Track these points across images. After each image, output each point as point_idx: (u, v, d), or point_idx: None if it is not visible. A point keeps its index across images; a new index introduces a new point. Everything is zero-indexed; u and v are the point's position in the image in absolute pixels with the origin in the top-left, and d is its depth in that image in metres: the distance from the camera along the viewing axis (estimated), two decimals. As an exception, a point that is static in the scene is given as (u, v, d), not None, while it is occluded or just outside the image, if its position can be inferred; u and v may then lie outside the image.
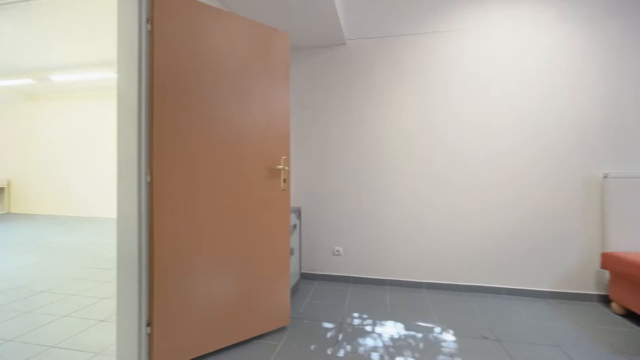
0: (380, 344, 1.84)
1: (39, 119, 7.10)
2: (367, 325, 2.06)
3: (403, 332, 1.97)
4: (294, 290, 2.53)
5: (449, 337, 1.92)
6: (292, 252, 2.49)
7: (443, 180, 2.66)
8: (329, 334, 1.93)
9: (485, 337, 1.90)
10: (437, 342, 1.85)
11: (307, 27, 2.56)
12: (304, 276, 2.94)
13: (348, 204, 2.84)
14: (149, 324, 1.54)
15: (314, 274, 2.92)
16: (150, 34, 1.54)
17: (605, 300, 2.41)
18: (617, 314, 2.22)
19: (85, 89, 6.53)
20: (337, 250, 2.86)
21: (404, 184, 2.73)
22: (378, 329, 2.00)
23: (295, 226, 2.60)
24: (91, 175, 6.69)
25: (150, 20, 1.54)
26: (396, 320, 2.14)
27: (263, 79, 1.88)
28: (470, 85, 2.62)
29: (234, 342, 1.77)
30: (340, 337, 1.90)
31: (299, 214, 2.72)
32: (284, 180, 1.96)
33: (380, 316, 2.20)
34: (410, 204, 2.72)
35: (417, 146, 2.71)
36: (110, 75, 5.32)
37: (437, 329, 2.01)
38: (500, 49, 2.58)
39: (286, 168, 1.95)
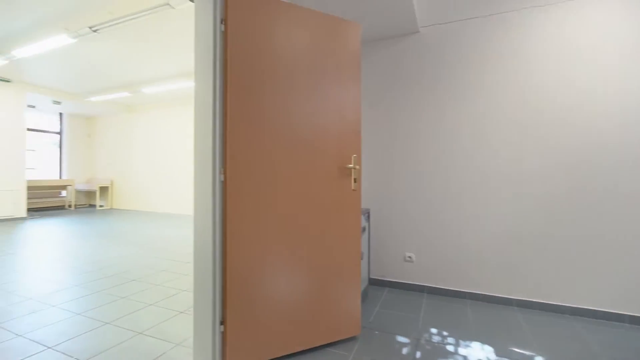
0: (466, 368, 1.59)
1: (134, 127, 8.15)
2: (448, 344, 1.82)
3: (494, 357, 1.69)
4: (363, 297, 2.39)
5: (555, 370, 1.58)
6: (361, 257, 2.35)
7: (545, 184, 2.26)
8: (404, 350, 1.75)
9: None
10: (541, 376, 1.54)
11: (375, 14, 2.40)
12: (373, 282, 2.78)
13: (421, 206, 2.60)
14: (222, 323, 1.55)
15: (383, 280, 2.74)
16: (224, 34, 1.55)
17: None
18: None
19: (171, 98, 7.28)
20: (409, 257, 2.64)
21: (490, 186, 2.39)
22: (462, 351, 1.75)
23: (364, 229, 2.46)
24: (176, 176, 7.43)
25: (224, 20, 1.55)
26: (484, 342, 1.85)
27: (334, 73, 1.79)
28: (591, 66, 2.17)
29: (303, 349, 1.70)
30: (418, 355, 1.70)
31: (368, 216, 2.57)
32: (355, 180, 1.83)
33: (463, 335, 1.93)
34: (496, 208, 2.37)
35: (512, 144, 2.35)
36: (191, 84, 5.82)
37: None
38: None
39: (357, 167, 1.82)
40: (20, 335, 1.88)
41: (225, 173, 1.54)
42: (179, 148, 7.41)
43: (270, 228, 1.62)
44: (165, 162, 7.58)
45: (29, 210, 7.42)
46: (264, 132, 1.60)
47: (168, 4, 3.25)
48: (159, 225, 5.81)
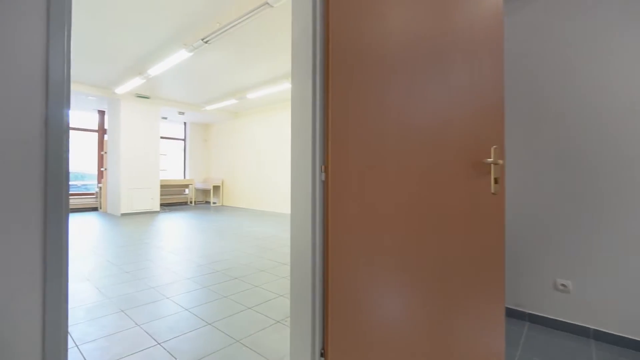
0: None
1: (240, 131, 8.91)
2: None
3: None
4: (495, 333, 1.83)
5: None
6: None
7: None
8: None
9: None
10: None
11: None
12: (507, 312, 2.16)
13: (585, 214, 1.87)
14: (322, 354, 1.27)
15: (520, 312, 2.09)
16: (325, 17, 1.28)
17: None
18: None
19: (271, 102, 7.67)
20: (563, 284, 1.94)
21: None
22: None
23: (495, 243, 1.89)
24: (276, 176, 7.80)
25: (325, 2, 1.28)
26: None
27: (467, 44, 1.33)
28: None
29: (423, 400, 1.30)
30: None
31: (500, 227, 1.99)
32: (496, 180, 1.34)
33: None
34: None
35: None
36: (287, 87, 5.95)
37: None
38: None
39: (500, 162, 1.32)
40: (138, 326, 1.99)
41: (326, 171, 1.26)
42: (278, 149, 7.74)
43: (381, 238, 1.28)
44: (266, 163, 8.04)
45: (161, 205, 8.84)
46: (373, 126, 1.27)
47: (267, 3, 3.24)
48: (261, 223, 6.11)
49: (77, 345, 1.76)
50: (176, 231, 5.19)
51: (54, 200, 0.75)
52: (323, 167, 1.29)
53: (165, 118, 8.96)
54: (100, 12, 3.55)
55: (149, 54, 4.70)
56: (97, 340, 1.82)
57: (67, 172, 0.80)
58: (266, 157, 8.04)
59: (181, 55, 4.43)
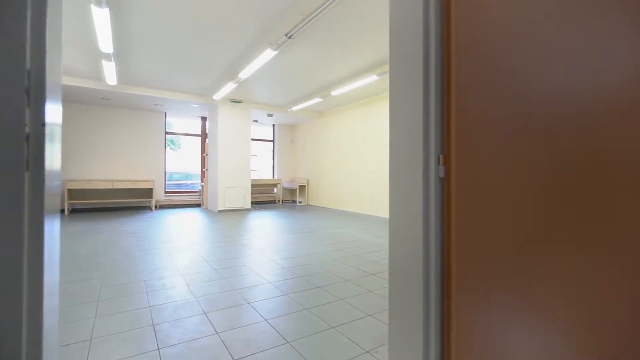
0: None
1: (324, 131, 8.85)
2: None
3: None
4: None
5: None
6: None
7: None
8: None
9: None
10: None
11: None
12: None
13: None
14: None
15: None
16: None
17: None
18: None
19: (355, 98, 7.35)
20: None
21: None
22: None
23: None
24: (359, 175, 7.46)
25: None
26: None
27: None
28: None
29: None
30: None
31: None
32: None
33: None
34: None
35: None
36: (372, 79, 5.53)
37: None
38: None
39: None
40: (217, 333, 1.87)
41: (447, 163, 0.84)
42: (366, 147, 7.37)
43: (526, 251, 0.79)
44: (349, 162, 7.75)
45: (252, 203, 9.39)
46: (519, 106, 0.79)
47: (352, -18, 2.90)
48: (344, 224, 5.84)
49: (158, 349, 1.71)
50: (263, 230, 5.29)
51: (33, 200, 0.55)
52: (441, 157, 0.86)
53: (256, 121, 9.49)
54: (195, 26, 3.75)
55: (239, 57, 4.87)
56: (177, 346, 1.74)
57: (43, 172, 0.60)
58: (349, 156, 7.76)
59: (267, 55, 4.44)
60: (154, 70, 5.51)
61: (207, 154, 8.46)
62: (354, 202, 7.60)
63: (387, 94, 6.61)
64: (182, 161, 12.26)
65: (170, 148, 13.37)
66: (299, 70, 5.45)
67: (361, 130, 7.44)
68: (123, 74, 5.76)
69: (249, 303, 2.32)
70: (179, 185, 10.02)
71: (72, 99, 7.06)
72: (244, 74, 5.34)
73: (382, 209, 6.69)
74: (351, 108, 7.83)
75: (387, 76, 5.56)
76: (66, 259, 3.36)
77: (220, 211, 7.50)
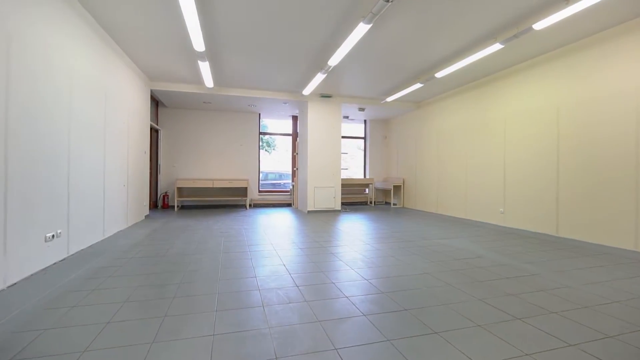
0: None
1: (423, 123, 7.69)
2: None
3: None
4: None
5: None
6: None
7: None
8: None
9: None
10: None
11: None
12: None
13: None
14: None
15: None
16: None
17: None
18: None
19: (463, 81, 6.06)
20: None
21: None
22: None
23: None
24: (472, 174, 6.13)
25: None
26: None
27: None
28: None
29: None
30: None
31: None
32: None
33: None
34: None
35: None
36: (493, 50, 4.26)
37: None
38: None
39: None
40: None
41: None
42: (479, 140, 6.01)
43: None
44: (460, 158, 6.45)
45: (342, 204, 8.85)
46: None
47: None
48: (454, 234, 4.72)
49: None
50: (353, 236, 4.62)
51: None
52: None
53: (347, 117, 8.93)
54: (282, 10, 3.32)
55: (329, 38, 4.30)
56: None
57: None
58: (455, 151, 6.45)
59: (360, 31, 3.74)
60: (245, 67, 5.43)
61: (297, 153, 8.29)
62: (460, 206, 6.28)
63: (515, 67, 5.17)
64: (276, 161, 12.64)
65: (266, 150, 14.05)
66: (395, 48, 4.59)
67: (473, 119, 6.09)
68: (218, 76, 5.88)
69: (333, 349, 1.65)
70: (273, 185, 10.21)
71: (179, 105, 7.72)
72: (334, 60, 4.77)
73: (499, 216, 5.26)
74: (458, 93, 6.52)
75: (516, 42, 4.23)
76: (158, 258, 3.31)
77: (309, 212, 7.17)
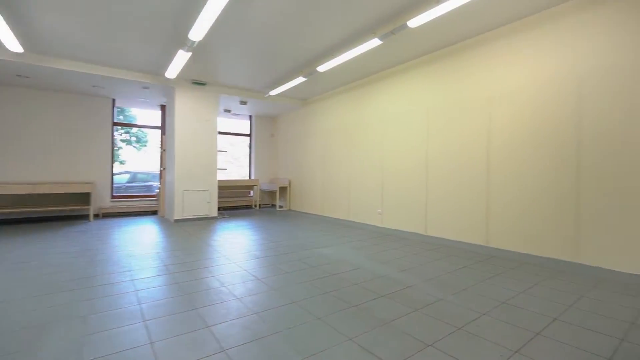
0: None
1: (309, 122, 7.38)
2: None
3: None
4: None
5: None
6: None
7: None
8: None
9: None
10: None
11: None
12: None
13: None
14: None
15: None
16: None
17: None
18: None
19: (348, 78, 5.92)
20: None
21: None
22: None
23: None
24: (354, 175, 6.02)
25: None
26: None
27: None
28: None
29: None
30: None
31: None
32: None
33: None
34: None
35: None
36: (372, 45, 4.09)
37: None
38: None
39: None
40: None
41: None
42: (360, 141, 5.93)
43: None
44: (343, 159, 6.30)
45: (222, 209, 7.83)
46: None
47: None
48: (336, 240, 4.38)
49: None
50: (220, 252, 3.78)
51: None
52: None
53: (229, 111, 7.94)
54: None
55: (185, 3, 3.35)
56: None
57: None
58: (340, 151, 6.31)
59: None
60: (71, 30, 3.92)
61: (164, 150, 6.87)
62: (343, 208, 6.15)
63: (391, 70, 5.20)
64: (148, 160, 10.53)
65: (134, 146, 11.67)
66: (272, 31, 3.96)
67: (354, 119, 6.01)
68: (29, 37, 4.14)
69: None
70: (144, 187, 8.34)
71: (-25, 76, 5.35)
72: (196, 33, 3.81)
73: (378, 217, 5.27)
74: (341, 92, 6.39)
75: (394, 38, 4.14)
76: None
77: (177, 221, 5.92)
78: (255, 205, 8.36)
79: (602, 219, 2.96)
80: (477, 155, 3.97)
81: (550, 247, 3.31)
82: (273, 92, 6.52)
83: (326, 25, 3.87)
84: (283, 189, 8.19)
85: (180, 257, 3.45)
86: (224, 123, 8.52)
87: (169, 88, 6.03)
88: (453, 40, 4.21)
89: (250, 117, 8.81)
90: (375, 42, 4.04)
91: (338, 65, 5.15)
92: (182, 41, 4.26)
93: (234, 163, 8.98)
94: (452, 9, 3.41)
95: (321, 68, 5.00)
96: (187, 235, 4.70)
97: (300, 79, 5.63)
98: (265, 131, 8.92)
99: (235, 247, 3.97)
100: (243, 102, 7.14)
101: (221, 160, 8.22)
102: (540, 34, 3.45)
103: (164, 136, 7.02)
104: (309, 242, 4.23)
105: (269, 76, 5.84)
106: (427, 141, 4.59)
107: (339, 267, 3.10)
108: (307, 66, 5.28)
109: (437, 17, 3.62)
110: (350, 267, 3.13)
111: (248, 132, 8.88)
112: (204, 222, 5.90)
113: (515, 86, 3.64)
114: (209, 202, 6.27)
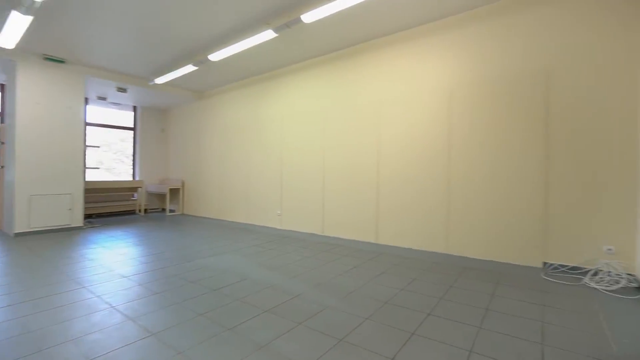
0: None
1: (205, 117, 6.71)
2: None
3: None
4: None
5: None
6: None
7: None
8: None
9: None
10: None
11: None
12: None
13: None
14: None
15: None
16: None
17: None
18: None
19: (247, 72, 5.53)
20: None
21: None
22: None
23: None
24: (253, 176, 5.66)
25: None
26: None
27: None
28: None
29: None
30: None
31: None
32: None
33: None
34: None
35: None
36: (266, 37, 3.84)
37: None
38: None
39: None
40: None
41: None
42: (259, 141, 5.60)
43: None
44: (241, 159, 5.88)
45: (93, 216, 6.52)
46: None
47: None
48: (230, 246, 3.96)
49: None
50: (74, 273, 2.98)
51: None
52: None
53: (104, 98, 6.63)
54: None
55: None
56: None
57: None
58: (238, 151, 5.89)
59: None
60: None
61: (3, 143, 5.28)
62: (242, 210, 5.76)
63: (291, 67, 5.04)
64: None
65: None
66: (153, 2, 3.33)
67: (254, 116, 5.67)
68: None
69: None
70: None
71: None
72: (32, -10, 2.92)
73: (277, 219, 5.08)
74: (240, 87, 5.98)
75: (290, 33, 3.96)
76: None
77: (18, 235, 4.58)
78: (140, 210, 7.20)
79: (462, 217, 3.35)
80: (369, 157, 4.11)
81: (426, 241, 3.61)
82: (159, 80, 5.67)
83: (217, 9, 3.44)
84: (175, 191, 7.28)
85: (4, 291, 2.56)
86: (102, 113, 7.09)
87: (6, 61, 4.63)
88: (348, 43, 4.27)
89: (135, 107, 7.57)
90: (270, 34, 3.80)
91: (234, 57, 4.74)
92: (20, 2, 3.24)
93: (125, 162, 7.56)
94: (344, 9, 3.41)
95: (213, 57, 4.51)
96: (26, 253, 3.62)
97: (190, 67, 5.00)
98: (154, 125, 7.79)
99: (95, 265, 3.19)
100: (121, 90, 6.03)
101: (106, 157, 6.82)
102: (423, 44, 3.74)
103: (2, 125, 5.39)
104: (195, 252, 3.72)
105: (153, 61, 5.03)
106: (324, 142, 4.58)
107: (223, 280, 2.74)
108: (197, 53, 4.71)
109: (331, 16, 3.58)
110: (236, 278, 2.80)
111: (132, 126, 7.60)
112: (62, 235, 4.72)
113: (403, 92, 3.87)
114: (70, 209, 5.06)
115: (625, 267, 2.66)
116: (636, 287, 2.52)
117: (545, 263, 2.98)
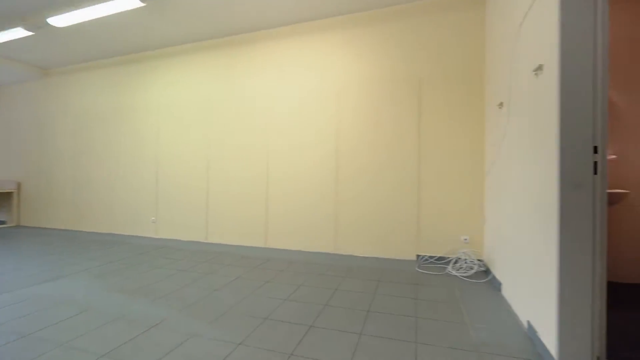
0: None
1: (55, 99, 5.27)
2: None
3: None
4: None
5: None
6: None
7: None
8: None
9: None
10: None
11: None
12: None
13: None
14: None
15: None
16: None
17: None
18: None
19: (109, 50, 4.52)
20: None
21: None
22: None
23: None
24: (121, 175, 4.66)
25: None
26: None
27: None
28: None
29: None
30: None
31: None
32: None
33: None
34: None
35: None
36: (129, 6, 3.14)
37: None
38: None
39: None
40: None
41: None
42: (125, 131, 4.65)
43: None
44: (104, 153, 4.79)
45: None
46: None
47: None
48: (71, 267, 3.07)
49: None
50: None
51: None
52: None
53: None
54: None
55: None
56: None
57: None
58: (99, 143, 4.80)
59: None
60: None
61: None
62: (104, 218, 4.72)
63: (167, 50, 4.34)
64: None
65: None
66: None
67: (122, 103, 4.70)
68: None
69: None
70: None
71: None
72: None
73: (151, 226, 4.31)
74: (107, 66, 4.89)
75: (160, 4, 3.33)
76: None
77: None
78: (-55, 223, 5.19)
79: (349, 217, 3.40)
80: (258, 154, 3.82)
81: (316, 243, 3.53)
82: (-28, 44, 4.14)
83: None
84: (5, 196, 5.52)
85: None
86: None
87: None
88: (232, 31, 3.88)
89: (-64, 80, 5.43)
90: (134, 2, 3.11)
91: (90, 27, 3.79)
92: None
93: None
94: None
95: (55, 21, 3.49)
96: None
97: (22, 32, 3.78)
98: (-27, 106, 5.77)
99: None
100: None
101: None
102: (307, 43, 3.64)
103: None
104: (24, 277, 2.75)
105: (-48, 13, 3.59)
106: (208, 137, 4.07)
107: (50, 317, 2.02)
108: (30, 13, 3.57)
109: (210, -7, 3.15)
110: (72, 311, 2.11)
111: None
112: None
113: (293, 90, 3.70)
114: None
115: (476, 253, 3.07)
116: (484, 271, 2.92)
117: (418, 255, 3.23)
